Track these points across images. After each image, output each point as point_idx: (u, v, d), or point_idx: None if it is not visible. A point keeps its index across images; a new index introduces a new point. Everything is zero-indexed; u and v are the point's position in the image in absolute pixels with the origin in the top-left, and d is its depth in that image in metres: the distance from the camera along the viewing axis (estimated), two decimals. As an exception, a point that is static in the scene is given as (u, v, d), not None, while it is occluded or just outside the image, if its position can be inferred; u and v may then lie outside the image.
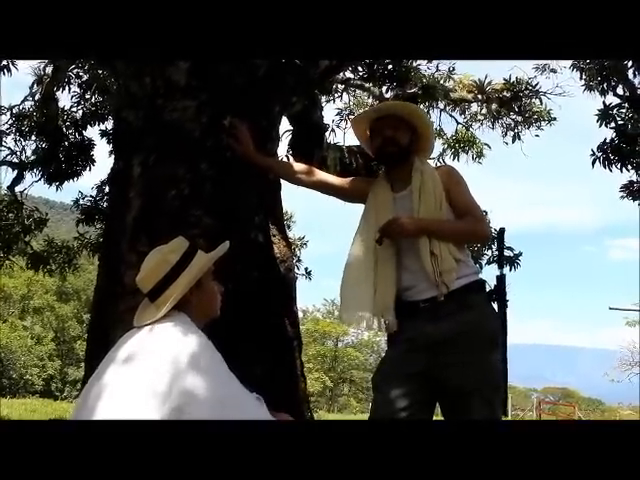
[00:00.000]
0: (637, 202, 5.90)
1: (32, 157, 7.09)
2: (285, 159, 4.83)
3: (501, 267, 2.53)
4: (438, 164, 7.03)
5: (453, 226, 2.20)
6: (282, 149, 5.70)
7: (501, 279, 2.27)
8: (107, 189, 6.46)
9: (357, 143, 3.26)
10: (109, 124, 6.77)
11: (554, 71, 6.62)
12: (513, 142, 7.01)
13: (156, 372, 1.44)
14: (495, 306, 2.23)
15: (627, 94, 5.54)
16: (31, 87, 6.86)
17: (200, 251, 1.76)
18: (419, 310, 2.13)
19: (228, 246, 1.82)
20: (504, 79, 6.48)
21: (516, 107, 6.72)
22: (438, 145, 7.57)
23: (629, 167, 5.49)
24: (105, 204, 6.62)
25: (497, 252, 3.92)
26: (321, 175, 2.51)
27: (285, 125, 4.85)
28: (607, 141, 5.38)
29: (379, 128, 2.29)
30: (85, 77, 6.80)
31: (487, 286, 2.22)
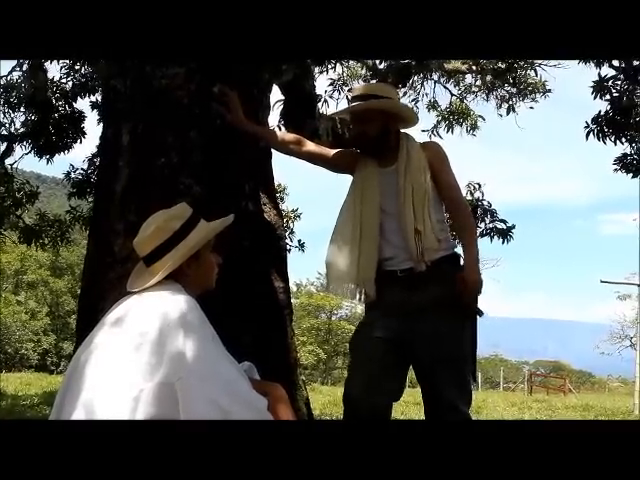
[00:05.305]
0: (630, 176, 5.88)
1: (22, 129, 7.00)
2: (277, 129, 4.78)
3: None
4: (429, 138, 7.00)
5: (475, 235, 2.37)
6: (274, 119, 5.65)
7: None
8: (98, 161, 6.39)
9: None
10: (99, 96, 6.67)
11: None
12: (507, 114, 6.98)
13: (143, 334, 1.43)
14: None
15: (623, 65, 5.47)
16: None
17: (203, 221, 1.71)
18: (396, 278, 2.21)
19: (232, 219, 1.77)
20: (499, 50, 6.41)
21: (511, 79, 6.67)
22: (432, 117, 7.52)
23: (623, 140, 5.46)
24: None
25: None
26: (310, 145, 2.52)
27: (277, 95, 4.79)
28: (602, 113, 5.35)
29: (351, 122, 2.41)
30: (74, 47, 6.65)
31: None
